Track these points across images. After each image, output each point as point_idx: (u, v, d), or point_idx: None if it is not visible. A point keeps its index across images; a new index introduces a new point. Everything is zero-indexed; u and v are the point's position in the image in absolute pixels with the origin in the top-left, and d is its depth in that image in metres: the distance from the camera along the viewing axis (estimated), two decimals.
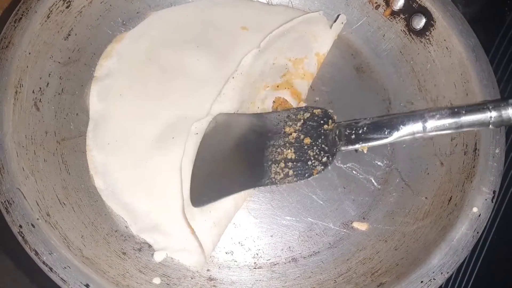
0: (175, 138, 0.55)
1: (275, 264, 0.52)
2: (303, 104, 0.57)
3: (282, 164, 0.48)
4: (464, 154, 0.53)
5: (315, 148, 0.49)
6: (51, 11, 0.54)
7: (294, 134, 0.50)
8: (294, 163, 0.48)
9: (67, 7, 0.55)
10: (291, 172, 0.48)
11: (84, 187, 0.52)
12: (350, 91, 0.62)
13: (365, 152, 0.52)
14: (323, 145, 0.48)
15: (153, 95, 0.58)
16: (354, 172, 0.57)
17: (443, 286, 0.64)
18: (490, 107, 0.45)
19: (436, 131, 0.46)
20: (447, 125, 0.45)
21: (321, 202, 0.55)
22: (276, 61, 0.58)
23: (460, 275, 0.65)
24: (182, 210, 0.49)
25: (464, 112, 0.45)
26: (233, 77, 0.57)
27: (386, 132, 0.46)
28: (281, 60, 0.58)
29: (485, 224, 0.48)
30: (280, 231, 0.53)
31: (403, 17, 0.62)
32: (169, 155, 0.54)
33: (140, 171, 0.54)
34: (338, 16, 0.64)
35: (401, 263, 0.49)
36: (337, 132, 0.49)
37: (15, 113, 0.48)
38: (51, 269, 0.42)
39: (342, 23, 0.64)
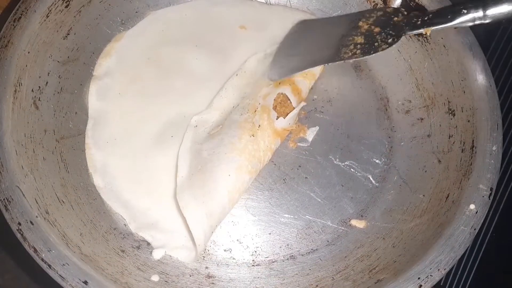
0: (174, 137, 0.55)
1: (273, 262, 0.52)
2: (303, 103, 0.58)
3: (352, 47, 0.53)
4: (462, 152, 0.53)
5: (383, 33, 0.53)
6: (50, 10, 0.54)
7: (366, 26, 0.55)
8: (362, 45, 0.53)
9: (66, 7, 0.56)
10: (358, 51, 0.53)
11: (83, 185, 0.52)
12: (349, 89, 0.62)
13: (428, 34, 0.53)
14: (390, 31, 0.53)
15: (152, 94, 0.59)
16: (352, 170, 0.57)
17: (442, 283, 0.65)
18: None
19: (495, 18, 0.48)
20: (507, 12, 0.47)
21: (319, 200, 0.55)
22: None
23: (460, 272, 0.65)
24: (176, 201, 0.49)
25: None
26: (236, 74, 0.58)
27: (449, 17, 0.49)
28: None
29: (482, 221, 0.48)
30: (279, 229, 0.53)
31: None
32: (167, 153, 0.54)
33: (139, 169, 0.54)
34: None
35: (398, 260, 0.49)
36: (405, 20, 0.53)
37: (15, 112, 0.49)
38: (50, 266, 0.42)
39: None
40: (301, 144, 0.58)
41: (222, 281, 0.50)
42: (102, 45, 0.60)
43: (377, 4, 0.64)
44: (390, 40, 0.52)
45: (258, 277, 0.51)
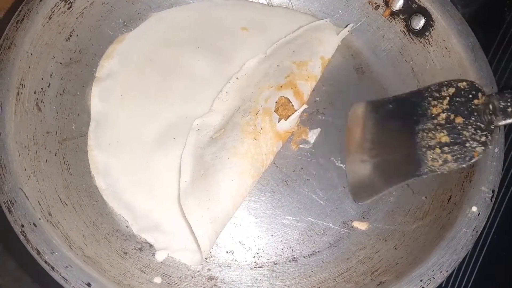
0: (176, 138, 0.55)
1: (276, 264, 0.52)
2: (304, 106, 0.58)
3: (438, 150, 0.46)
4: None
5: (469, 127, 0.45)
6: (53, 12, 0.54)
7: (443, 115, 0.46)
8: (450, 146, 0.45)
9: (68, 8, 0.56)
10: (449, 157, 0.45)
11: (86, 187, 0.52)
12: (350, 91, 0.62)
13: None
14: (477, 123, 0.45)
15: (154, 95, 0.59)
16: None
17: (443, 285, 0.65)
18: None
19: None
20: None
21: (321, 202, 0.55)
22: (281, 64, 0.59)
23: (461, 274, 0.65)
24: (180, 206, 0.49)
25: None
26: (237, 78, 0.58)
27: None
28: (286, 63, 0.59)
29: (484, 223, 0.48)
30: (281, 231, 0.53)
31: (403, 17, 0.63)
32: (170, 155, 0.55)
33: (141, 171, 0.54)
34: (347, 25, 0.65)
35: (400, 262, 0.49)
36: (491, 106, 0.45)
37: (17, 114, 0.49)
38: (53, 268, 0.42)
39: (349, 31, 0.64)
40: (303, 146, 0.58)
41: (225, 283, 0.50)
42: (105, 47, 0.60)
43: (378, 6, 0.64)
44: (483, 139, 0.44)
45: (260, 279, 0.51)
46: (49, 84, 0.53)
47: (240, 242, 0.53)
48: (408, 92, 0.51)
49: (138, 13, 0.63)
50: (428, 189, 0.54)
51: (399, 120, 0.49)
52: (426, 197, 0.54)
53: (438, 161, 0.46)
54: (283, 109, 0.56)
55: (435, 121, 0.46)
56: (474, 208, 0.49)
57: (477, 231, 0.48)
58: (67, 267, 0.42)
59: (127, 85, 0.59)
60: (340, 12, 0.66)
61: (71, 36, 0.56)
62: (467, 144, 0.45)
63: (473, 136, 0.45)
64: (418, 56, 0.61)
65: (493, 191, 0.49)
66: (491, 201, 0.49)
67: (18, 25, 0.51)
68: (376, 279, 0.48)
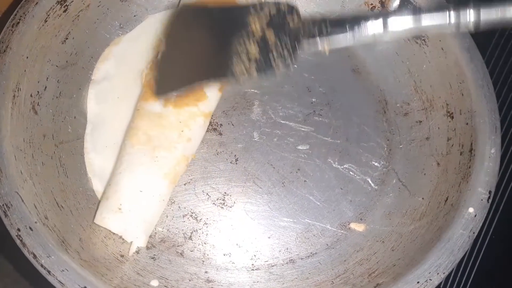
0: None
1: (273, 266, 0.52)
2: None
3: (246, 61, 0.49)
4: (460, 155, 0.53)
5: (278, 46, 0.49)
6: (49, 15, 0.54)
7: (258, 26, 0.49)
8: (257, 61, 0.48)
9: (64, 11, 0.56)
10: (253, 69, 0.48)
11: (82, 190, 0.52)
12: (347, 92, 0.62)
13: (327, 54, 0.49)
14: (286, 44, 0.48)
15: None
16: (351, 173, 0.57)
17: (442, 286, 0.65)
18: (451, 9, 0.44)
19: (397, 29, 0.46)
20: (408, 23, 0.45)
21: (319, 203, 0.55)
22: None
23: (459, 275, 0.65)
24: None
25: (424, 11, 0.45)
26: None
27: (347, 27, 0.46)
28: None
29: (481, 224, 0.48)
30: (278, 233, 0.53)
31: None
32: None
33: None
34: None
35: (398, 264, 0.49)
36: (302, 30, 0.48)
37: (13, 117, 0.49)
38: (49, 272, 0.42)
39: None
40: (300, 147, 0.58)
41: (222, 285, 0.50)
42: (101, 49, 0.60)
43: (374, 6, 0.64)
44: (287, 61, 0.48)
45: (257, 281, 0.51)
46: (45, 87, 0.53)
47: (237, 244, 0.53)
48: (237, 7, 0.54)
49: (134, 15, 0.63)
50: (425, 190, 0.54)
51: (222, 28, 0.51)
52: (423, 199, 0.54)
53: (243, 71, 0.49)
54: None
55: (252, 36, 0.49)
56: (470, 209, 0.49)
57: (474, 233, 0.48)
58: (63, 270, 0.42)
59: (124, 88, 0.59)
60: (336, 13, 0.66)
61: (67, 39, 0.56)
62: (272, 61, 0.48)
63: (279, 55, 0.48)
64: (414, 56, 0.61)
65: (489, 192, 0.49)
66: (488, 202, 0.49)
67: (14, 29, 0.51)
68: (373, 280, 0.48)
